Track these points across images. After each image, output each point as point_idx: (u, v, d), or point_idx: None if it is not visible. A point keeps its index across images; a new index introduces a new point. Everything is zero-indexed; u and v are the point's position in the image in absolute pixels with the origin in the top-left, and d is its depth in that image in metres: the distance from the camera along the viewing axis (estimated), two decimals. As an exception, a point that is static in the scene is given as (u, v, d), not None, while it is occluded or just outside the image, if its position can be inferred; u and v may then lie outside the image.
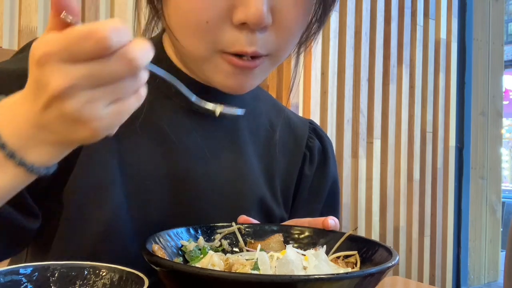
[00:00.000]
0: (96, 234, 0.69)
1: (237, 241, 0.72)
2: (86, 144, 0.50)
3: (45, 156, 0.49)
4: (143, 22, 0.75)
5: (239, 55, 0.66)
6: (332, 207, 0.89)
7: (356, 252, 0.67)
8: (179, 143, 0.74)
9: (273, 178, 0.82)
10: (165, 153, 0.73)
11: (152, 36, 0.79)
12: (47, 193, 0.67)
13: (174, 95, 0.74)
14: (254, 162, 0.80)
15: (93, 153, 0.68)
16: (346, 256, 0.68)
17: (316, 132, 0.90)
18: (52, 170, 0.51)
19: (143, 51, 0.45)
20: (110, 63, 0.43)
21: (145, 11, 0.75)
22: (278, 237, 0.72)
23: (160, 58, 0.74)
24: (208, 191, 0.75)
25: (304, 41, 0.77)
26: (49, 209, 0.69)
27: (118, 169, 0.70)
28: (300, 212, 0.86)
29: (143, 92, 0.48)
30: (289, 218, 0.84)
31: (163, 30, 0.77)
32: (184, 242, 0.68)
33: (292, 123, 0.88)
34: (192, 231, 0.71)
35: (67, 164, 0.65)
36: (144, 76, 0.47)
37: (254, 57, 0.66)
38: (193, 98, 0.57)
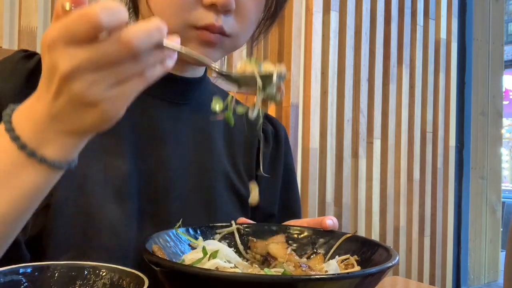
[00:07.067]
0: (82, 231, 0.72)
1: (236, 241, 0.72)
2: (98, 131, 0.52)
3: (63, 149, 0.51)
4: None
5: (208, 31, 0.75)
6: (288, 186, 0.99)
7: (349, 255, 0.67)
8: (154, 130, 0.82)
9: (235, 158, 0.92)
10: (142, 142, 0.81)
11: None
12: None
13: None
14: (218, 144, 0.90)
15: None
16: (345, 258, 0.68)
17: (269, 119, 1.01)
18: (74, 164, 0.54)
19: (142, 33, 0.46)
20: (106, 47, 0.45)
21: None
22: (281, 238, 0.72)
23: None
24: (179, 168, 0.83)
25: (257, 37, 0.89)
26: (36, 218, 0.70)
27: (97, 163, 0.75)
28: (262, 188, 0.92)
29: (150, 73, 0.50)
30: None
31: None
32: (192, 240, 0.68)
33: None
34: (191, 231, 0.71)
35: None
36: (150, 58, 0.48)
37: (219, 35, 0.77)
38: (212, 64, 0.59)
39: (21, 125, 0.51)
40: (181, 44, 0.69)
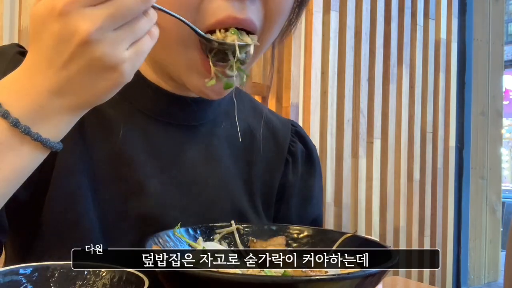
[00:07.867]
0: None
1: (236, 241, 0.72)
2: (104, 100, 0.51)
3: (58, 127, 0.50)
4: None
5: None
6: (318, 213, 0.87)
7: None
8: (151, 155, 0.71)
9: (253, 187, 0.78)
10: (138, 166, 0.70)
11: None
12: (22, 210, 0.65)
13: (147, 107, 0.72)
14: (231, 171, 0.77)
15: (66, 173, 0.66)
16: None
17: (299, 135, 0.85)
18: (60, 147, 0.51)
19: None
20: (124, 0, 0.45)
21: None
22: (281, 240, 0.72)
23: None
24: (182, 202, 0.72)
25: (285, 31, 0.72)
26: (24, 223, 0.67)
27: (90, 187, 0.68)
28: (292, 219, 0.82)
29: (156, 31, 0.50)
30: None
31: None
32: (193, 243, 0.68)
33: (272, 126, 0.82)
34: (191, 231, 0.70)
35: (42, 186, 0.65)
36: (154, 15, 0.49)
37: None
38: (201, 33, 0.58)
39: (9, 101, 0.48)
40: (182, 77, 0.65)
